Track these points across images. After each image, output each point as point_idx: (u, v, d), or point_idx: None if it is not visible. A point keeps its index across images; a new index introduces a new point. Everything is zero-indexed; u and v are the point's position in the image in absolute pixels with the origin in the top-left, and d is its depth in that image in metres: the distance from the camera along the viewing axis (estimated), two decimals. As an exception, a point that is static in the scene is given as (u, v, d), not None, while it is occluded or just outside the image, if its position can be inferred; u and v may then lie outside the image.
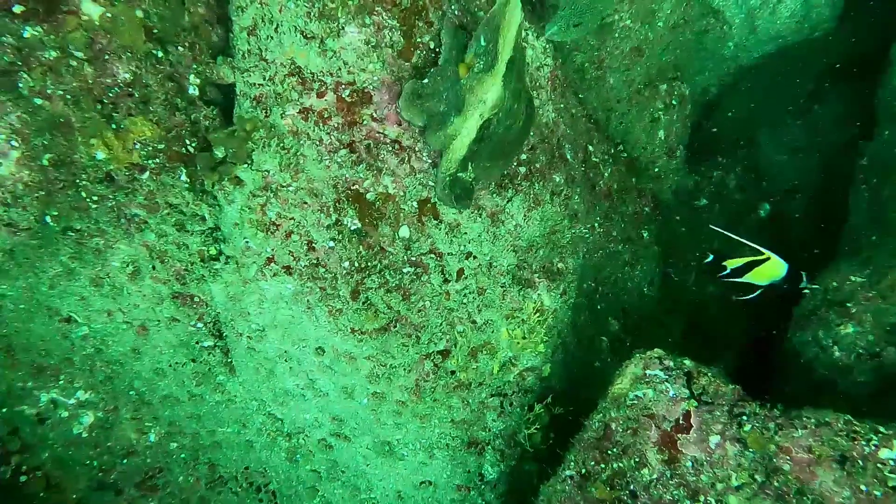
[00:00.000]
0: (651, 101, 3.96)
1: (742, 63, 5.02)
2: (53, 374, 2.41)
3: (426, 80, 2.08)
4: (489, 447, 2.63)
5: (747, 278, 2.17)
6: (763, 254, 2.16)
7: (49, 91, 1.81)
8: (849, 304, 2.52)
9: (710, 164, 5.22)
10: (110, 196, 2.04)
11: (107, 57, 1.99)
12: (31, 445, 2.46)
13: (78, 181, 1.92)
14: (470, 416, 2.52)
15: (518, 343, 2.50)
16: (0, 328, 2.28)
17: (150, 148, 2.07)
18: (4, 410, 2.38)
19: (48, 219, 1.90)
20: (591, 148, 3.63)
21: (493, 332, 2.46)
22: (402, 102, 2.09)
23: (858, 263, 2.87)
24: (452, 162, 2.06)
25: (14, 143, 1.69)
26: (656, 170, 4.25)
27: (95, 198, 2.00)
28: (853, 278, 2.62)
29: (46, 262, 2.11)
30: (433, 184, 2.26)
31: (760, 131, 5.31)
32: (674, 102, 4.09)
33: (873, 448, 1.67)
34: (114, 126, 1.96)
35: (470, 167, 2.08)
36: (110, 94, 1.99)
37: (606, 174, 3.66)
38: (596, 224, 3.50)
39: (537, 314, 2.52)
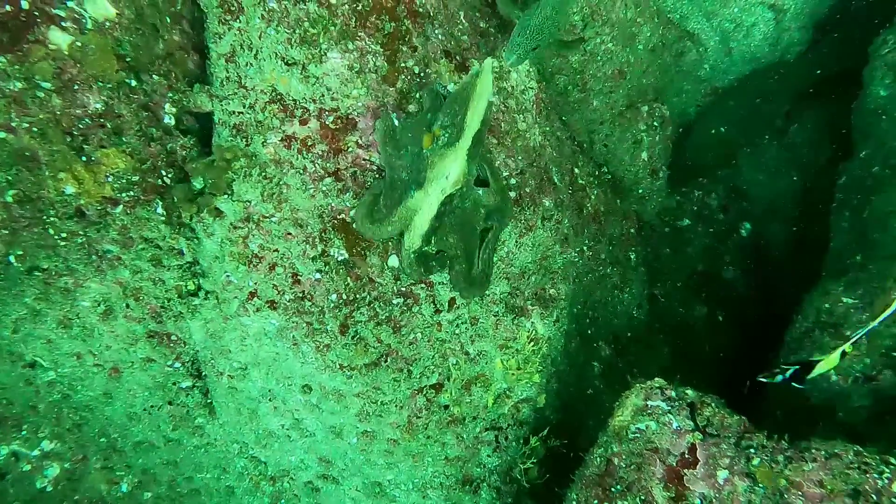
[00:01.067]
0: (633, 122, 3.98)
1: (719, 85, 5.12)
2: (15, 423, 2.24)
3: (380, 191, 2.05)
4: (484, 484, 2.52)
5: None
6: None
7: (13, 124, 1.70)
8: (843, 327, 2.50)
9: (692, 185, 5.27)
10: (81, 232, 1.92)
11: (76, 87, 1.89)
12: (-10, 503, 2.28)
13: (45, 218, 1.80)
14: (464, 452, 2.42)
15: (513, 374, 2.42)
16: (-43, 376, 2.12)
17: (124, 180, 1.96)
18: (-40, 466, 2.21)
19: (12, 259, 1.77)
20: (576, 171, 3.61)
21: (486, 363, 2.37)
22: (359, 213, 2.05)
23: (846, 285, 2.86)
24: (416, 238, 2.00)
25: (-26, 179, 1.57)
26: (640, 191, 4.26)
27: (64, 234, 1.88)
28: (845, 300, 2.61)
29: (10, 305, 1.97)
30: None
31: (740, 152, 5.38)
32: (655, 124, 4.12)
33: (886, 481, 1.61)
34: (84, 158, 1.85)
35: (433, 241, 2.03)
36: (80, 126, 1.88)
37: (593, 196, 3.64)
38: (585, 247, 3.46)
39: (532, 343, 2.45)
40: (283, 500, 2.51)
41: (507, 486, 2.58)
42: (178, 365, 2.28)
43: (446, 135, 1.94)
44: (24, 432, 2.23)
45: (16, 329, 2.05)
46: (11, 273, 1.86)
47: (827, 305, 2.66)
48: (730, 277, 5.11)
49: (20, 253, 1.78)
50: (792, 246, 5.13)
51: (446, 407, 2.34)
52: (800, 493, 1.67)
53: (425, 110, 2.10)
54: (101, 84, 1.90)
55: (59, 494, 2.33)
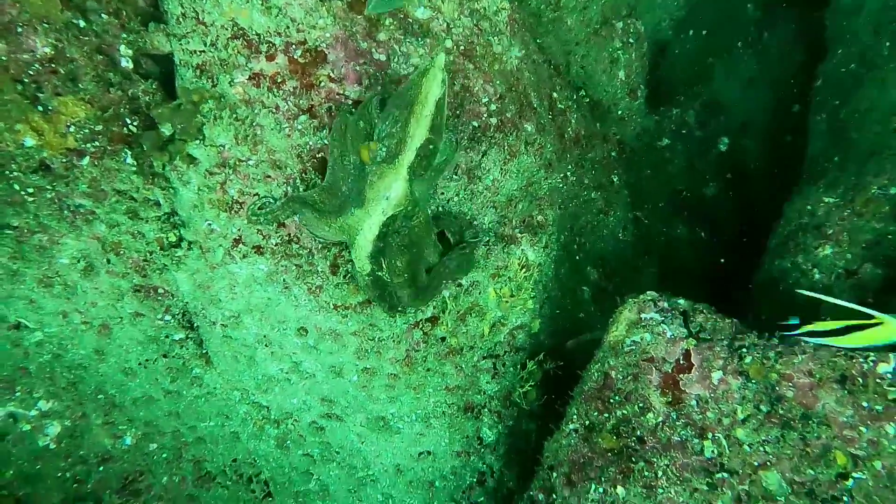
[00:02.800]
0: (609, 40, 3.87)
1: (691, -4, 4.96)
2: (7, 386, 2.20)
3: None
4: (485, 410, 2.59)
5: (842, 341, 1.73)
6: (873, 317, 1.70)
7: (-45, 72, 1.57)
8: (825, 226, 2.54)
9: (670, 104, 5.21)
10: (48, 187, 1.83)
11: (20, 29, 1.74)
12: (-5, 466, 2.27)
13: (8, 172, 1.70)
14: (464, 381, 2.46)
15: (506, 301, 2.43)
16: (-60, 345, 2.06)
17: (87, 130, 1.85)
18: (-42, 433, 2.18)
19: (-23, 218, 1.69)
20: (555, 95, 3.52)
21: (480, 293, 2.37)
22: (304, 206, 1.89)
23: (825, 186, 2.90)
24: (363, 261, 1.89)
25: (-78, 133, 1.46)
26: (619, 112, 4.20)
27: (31, 190, 1.78)
28: (826, 200, 2.64)
29: (-17, 267, 1.90)
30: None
31: (714, 65, 5.31)
32: (630, 41, 4.01)
33: (871, 364, 1.68)
34: (41, 108, 1.73)
35: (384, 264, 1.90)
36: (31, 73, 1.75)
37: (573, 121, 3.57)
38: (568, 172, 3.42)
39: (523, 270, 2.45)
40: (288, 441, 2.55)
41: (507, 411, 2.65)
42: (168, 318, 2.24)
43: (383, 149, 1.74)
44: (17, 394, 2.20)
45: (-6, 293, 1.99)
46: (-21, 233, 1.78)
47: (808, 207, 2.69)
48: (710, 194, 5.15)
49: (-14, 211, 1.70)
50: (770, 157, 5.16)
51: (443, 339, 2.36)
52: (790, 384, 1.73)
53: (374, 105, 1.88)
54: (46, 26, 1.75)
55: (63, 451, 2.33)
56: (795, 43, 5.06)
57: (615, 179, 4.14)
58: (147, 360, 2.29)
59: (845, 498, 1.59)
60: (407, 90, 1.76)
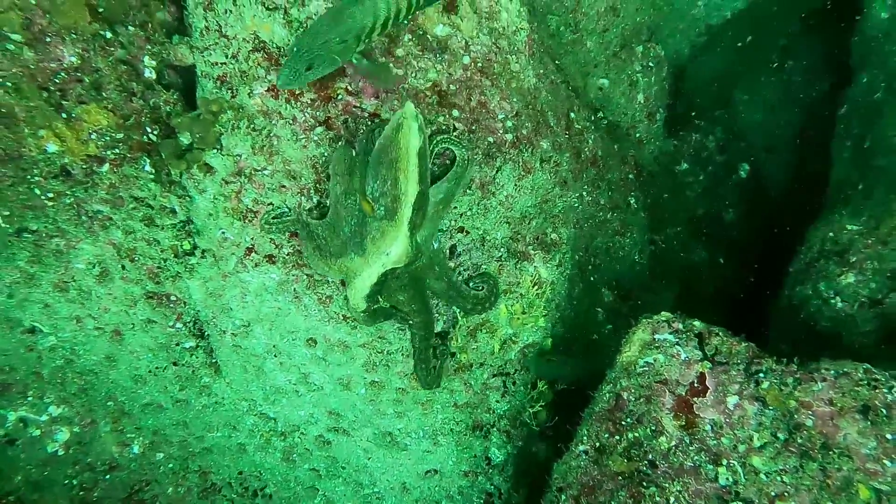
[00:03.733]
0: (628, 63, 3.88)
1: (713, 22, 4.98)
2: (20, 390, 2.22)
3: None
4: (494, 429, 2.54)
5: None
6: None
7: (-15, 78, 1.62)
8: (848, 253, 2.47)
9: (689, 128, 5.19)
10: (68, 192, 1.86)
11: (48, 39, 1.80)
12: (1, 470, 2.28)
13: (29, 177, 1.74)
14: (473, 398, 2.42)
15: (518, 319, 2.40)
16: (-44, 345, 2.09)
17: (108, 137, 1.89)
18: (-31, 434, 2.20)
19: (-1, 219, 1.72)
20: (572, 115, 3.53)
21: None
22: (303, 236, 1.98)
23: (850, 213, 2.83)
24: (359, 300, 1.93)
25: (-51, 136, 1.51)
26: (637, 135, 4.18)
27: (51, 194, 1.82)
28: (850, 227, 2.58)
29: (2, 269, 1.93)
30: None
31: (736, 91, 5.29)
32: (650, 64, 4.02)
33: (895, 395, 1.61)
34: (64, 115, 1.78)
35: (380, 299, 1.96)
36: (57, 81, 1.80)
37: (590, 141, 3.57)
38: (584, 192, 3.40)
39: (535, 287, 2.42)
40: (295, 454, 2.53)
41: (517, 430, 2.60)
42: (179, 325, 2.25)
43: (382, 207, 1.81)
44: (29, 398, 2.22)
45: (11, 294, 2.02)
46: (0, 235, 1.82)
47: (831, 234, 2.63)
48: (730, 219, 5.08)
49: (7, 213, 1.73)
50: (792, 184, 5.09)
51: (453, 354, 2.33)
52: (810, 412, 1.67)
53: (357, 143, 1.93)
54: (74, 36, 1.81)
55: (71, 458, 2.34)
56: (820, 69, 5.02)
57: (632, 201, 4.11)
58: (157, 368, 2.30)
59: (869, 533, 1.51)
60: (386, 147, 1.80)
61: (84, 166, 1.85)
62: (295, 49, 1.66)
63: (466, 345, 2.35)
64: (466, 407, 2.42)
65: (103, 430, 2.34)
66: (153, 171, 2.01)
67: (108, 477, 2.39)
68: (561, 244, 2.57)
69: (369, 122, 2.09)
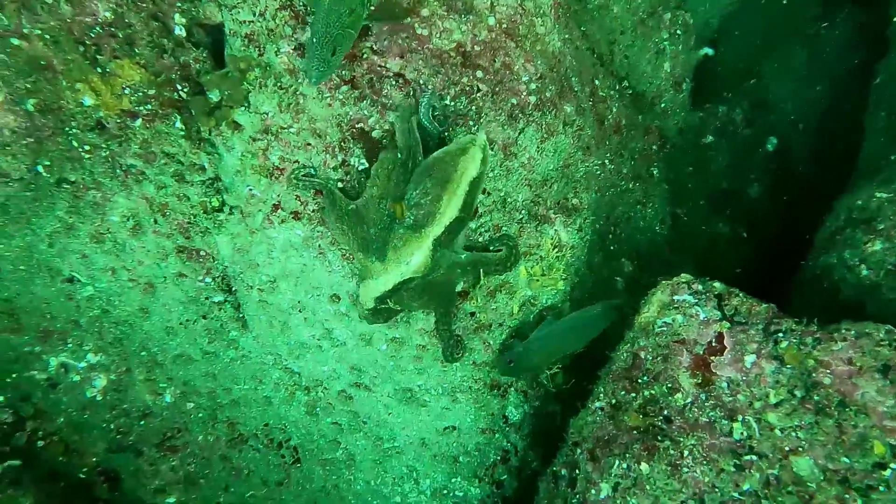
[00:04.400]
0: (655, 30, 3.80)
1: (744, -10, 4.84)
2: (61, 337, 2.33)
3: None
4: (512, 389, 2.59)
5: None
6: None
7: (25, 30, 1.67)
8: (876, 221, 2.44)
9: (716, 101, 5.08)
10: (103, 145, 1.93)
11: (84, -7, 1.85)
12: (45, 411, 2.40)
13: (67, 129, 1.80)
14: (491, 357, 2.47)
15: (537, 281, 2.43)
16: (1, 292, 2.19)
17: (141, 93, 1.95)
18: (14, 376, 2.32)
19: (40, 169, 1.79)
20: (597, 82, 3.49)
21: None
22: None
23: (880, 182, 2.78)
24: (368, 300, 1.96)
25: (-6, 85, 1.57)
26: (663, 105, 4.12)
27: (88, 147, 1.88)
28: (878, 195, 2.54)
29: (43, 218, 2.01)
30: (440, 119, 2.15)
31: (766, 62, 5.15)
32: (678, 32, 3.93)
33: (917, 355, 1.61)
34: (99, 70, 1.83)
35: (389, 303, 1.99)
36: (92, 35, 1.85)
37: (614, 109, 3.53)
38: (606, 161, 3.38)
39: (555, 250, 2.44)
40: (318, 408, 2.62)
41: (533, 391, 2.65)
42: (208, 280, 2.33)
43: (412, 217, 1.81)
44: (69, 345, 2.33)
45: (51, 243, 2.10)
46: (41, 184, 1.89)
47: (859, 202, 2.59)
48: (754, 194, 5.00)
49: (48, 163, 1.80)
50: (820, 159, 4.98)
51: (472, 314, 2.38)
52: (828, 371, 1.68)
53: (400, 152, 1.93)
54: (107, -9, 1.85)
55: (108, 403, 2.46)
56: (854, 40, 4.86)
57: (655, 172, 4.07)
58: (187, 321, 2.39)
59: (881, 487, 1.53)
60: (442, 162, 1.81)
61: (118, 120, 1.91)
62: (314, 40, 1.66)
63: (486, 305, 2.39)
64: (485, 366, 2.47)
65: (137, 379, 2.45)
66: (183, 128, 2.06)
67: (142, 423, 2.51)
68: (582, 209, 2.58)
69: (393, 82, 2.11)
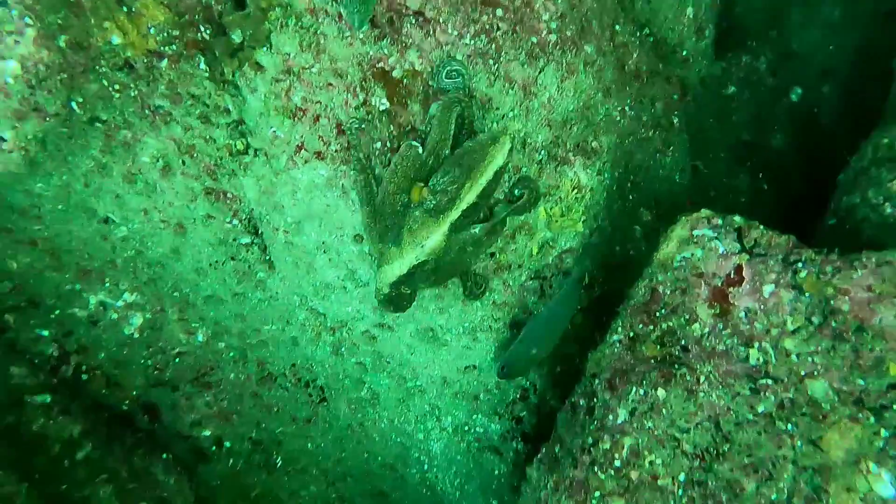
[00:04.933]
0: (678, -28, 3.69)
1: (772, -70, 4.65)
2: (99, 277, 2.43)
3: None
4: (532, 328, 2.65)
5: None
6: None
7: (53, -33, 1.70)
8: (902, 159, 2.41)
9: (740, 50, 4.95)
10: (132, 85, 1.97)
11: (107, -68, 1.86)
12: (87, 347, 2.53)
13: (97, 67, 1.85)
14: (511, 298, 2.53)
15: (556, 222, 2.46)
16: (42, 231, 2.29)
17: (165, 34, 1.97)
18: (58, 312, 2.43)
19: (74, 105, 1.85)
20: (617, 27, 3.42)
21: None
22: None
23: (908, 123, 2.73)
24: (383, 284, 2.02)
25: (28, 20, 1.61)
26: (685, 53, 4.04)
27: (117, 86, 1.93)
28: (907, 133, 2.49)
29: (78, 156, 2.08)
30: (461, 57, 2.15)
31: (792, 9, 4.99)
32: (702, -25, 3.82)
33: (938, 281, 1.62)
34: (125, 9, 1.86)
35: (403, 289, 2.06)
36: (116, -26, 1.88)
37: (635, 55, 3.47)
38: (626, 107, 3.35)
39: (574, 192, 2.46)
40: (343, 349, 2.71)
41: (552, 332, 2.70)
42: (235, 222, 2.40)
43: (433, 201, 1.87)
44: (107, 285, 2.44)
45: (87, 183, 2.18)
46: (75, 121, 1.95)
47: (885, 140, 2.55)
48: (777, 146, 4.92)
49: (81, 100, 1.85)
50: (848, 108, 4.85)
51: (492, 255, 2.42)
52: (846, 297, 1.70)
53: (426, 147, 1.97)
54: (130, -73, 1.86)
55: (145, 341, 2.57)
56: (888, -17, 4.66)
57: (675, 121, 4.01)
58: (217, 262, 2.47)
59: (895, 406, 1.56)
60: (472, 151, 1.88)
61: (145, 60, 1.95)
62: None
63: (505, 246, 2.43)
64: (504, 306, 2.53)
65: (171, 319, 2.55)
66: (207, 70, 2.09)
67: (177, 360, 2.63)
68: (602, 152, 2.58)
69: (413, 20, 2.10)
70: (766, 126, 4.79)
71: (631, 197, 3.64)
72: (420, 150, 1.98)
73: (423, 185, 1.91)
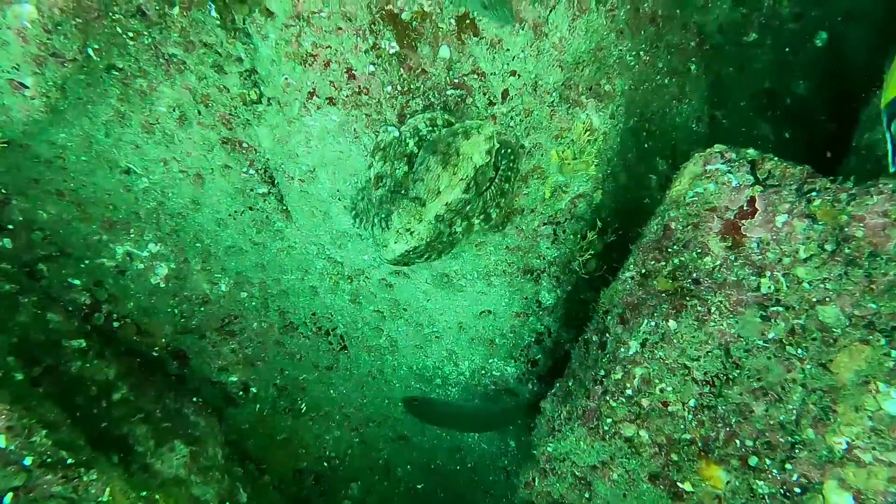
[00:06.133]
0: (696, -90, 3.56)
1: None
2: (124, 228, 2.52)
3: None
4: (545, 274, 2.68)
5: None
6: None
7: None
8: (927, 89, 2.33)
9: (761, -7, 4.75)
10: (145, 32, 2.00)
11: None
12: (116, 296, 2.63)
13: (111, 13, 1.88)
14: (524, 242, 2.55)
15: (569, 164, 2.45)
16: (68, 182, 2.36)
17: (176, -21, 1.99)
18: (87, 262, 2.53)
19: (90, 51, 1.89)
20: (632, -32, 3.33)
21: (542, 155, 2.41)
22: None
23: (934, 57, 2.63)
24: (389, 255, 2.05)
25: (41, -35, 1.64)
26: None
27: (131, 34, 1.96)
28: (933, 63, 2.41)
29: (98, 105, 2.13)
30: (469, -2, 2.13)
31: (818, -52, 4.77)
32: (721, -88, 3.67)
33: (955, 203, 1.60)
34: (135, -46, 1.88)
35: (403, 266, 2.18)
36: (125, -79, 1.89)
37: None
38: (641, 52, 3.28)
39: (587, 133, 2.45)
40: (361, 297, 2.78)
41: (566, 276, 2.73)
42: (251, 171, 2.44)
43: (413, 189, 1.91)
44: (132, 235, 2.52)
45: (107, 132, 2.24)
46: (93, 68, 1.99)
47: (908, 72, 2.47)
48: (800, 93, 4.78)
49: (97, 46, 1.89)
50: (875, 51, 4.66)
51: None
52: (860, 224, 1.69)
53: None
54: None
55: (171, 290, 2.67)
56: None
57: (692, 67, 3.92)
58: (235, 212, 2.53)
59: (907, 326, 1.57)
60: (445, 140, 1.92)
61: (157, 7, 1.97)
62: None
63: (518, 189, 2.44)
64: (518, 250, 2.55)
65: (195, 269, 2.64)
66: (219, 17, 2.11)
67: (202, 309, 2.73)
68: (615, 96, 2.55)
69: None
70: (790, 73, 4.64)
71: (647, 145, 3.59)
72: (397, 133, 2.06)
73: (407, 170, 1.99)
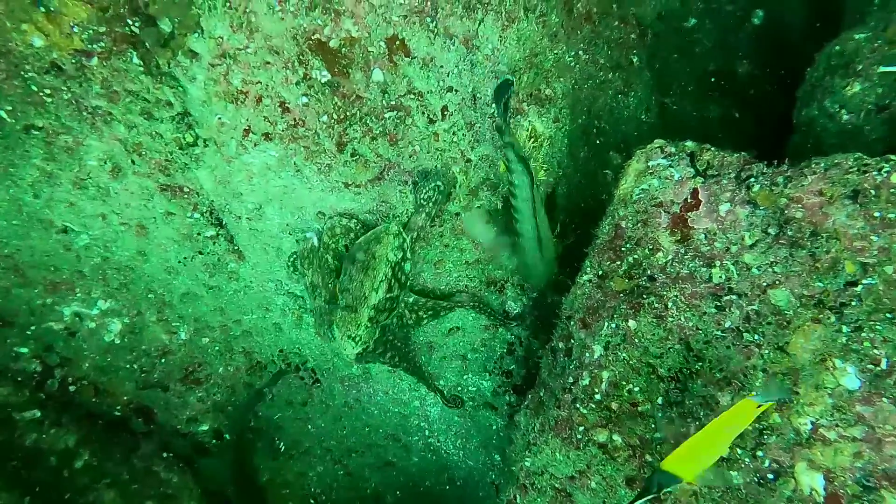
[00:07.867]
0: None
1: None
2: (69, 288, 2.43)
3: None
4: (508, 284, 2.67)
5: None
6: None
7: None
8: (854, 63, 2.39)
9: (695, -21, 4.84)
10: (64, 87, 1.94)
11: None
12: (70, 358, 2.54)
13: (23, 72, 1.81)
14: (482, 255, 2.53)
15: (516, 172, 2.44)
16: (1, 249, 2.28)
17: (91, 31, 1.93)
18: (34, 328, 2.44)
19: (3, 114, 1.82)
20: (562, -31, 3.36)
21: (490, 166, 2.40)
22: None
23: (859, 28, 2.70)
24: (349, 356, 2.24)
25: (-62, 32, 1.58)
26: (638, -9, 3.96)
27: (48, 90, 1.90)
28: (856, 36, 2.47)
29: (21, 167, 2.06)
30: (397, 18, 2.12)
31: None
32: None
33: (885, 175, 1.62)
34: (43, 9, 1.82)
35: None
36: (28, -24, 1.83)
37: (583, -4, 3.41)
38: (580, 51, 3.31)
39: (532, 140, 2.45)
40: (326, 328, 2.72)
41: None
42: (196, 215, 2.39)
43: (343, 299, 2.09)
44: (78, 294, 2.44)
45: (36, 193, 2.16)
46: (8, 131, 1.93)
47: (837, 48, 2.53)
48: (744, 72, 4.87)
49: (10, 108, 1.83)
50: (813, 25, 4.78)
51: (457, 214, 2.42)
52: (799, 205, 1.70)
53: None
54: (36, -72, 1.81)
55: (128, 345, 2.59)
56: None
57: (634, 60, 3.97)
58: (185, 258, 2.47)
59: (853, 302, 1.58)
60: (360, 249, 2.09)
61: (73, 61, 1.92)
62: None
63: (470, 203, 2.42)
64: (477, 264, 2.54)
65: (150, 321, 2.56)
66: (142, 63, 2.06)
67: (163, 360, 2.65)
68: (556, 99, 2.56)
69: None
70: (732, 54, 4.73)
71: (598, 141, 3.61)
72: (316, 242, 2.23)
73: (337, 282, 2.15)
